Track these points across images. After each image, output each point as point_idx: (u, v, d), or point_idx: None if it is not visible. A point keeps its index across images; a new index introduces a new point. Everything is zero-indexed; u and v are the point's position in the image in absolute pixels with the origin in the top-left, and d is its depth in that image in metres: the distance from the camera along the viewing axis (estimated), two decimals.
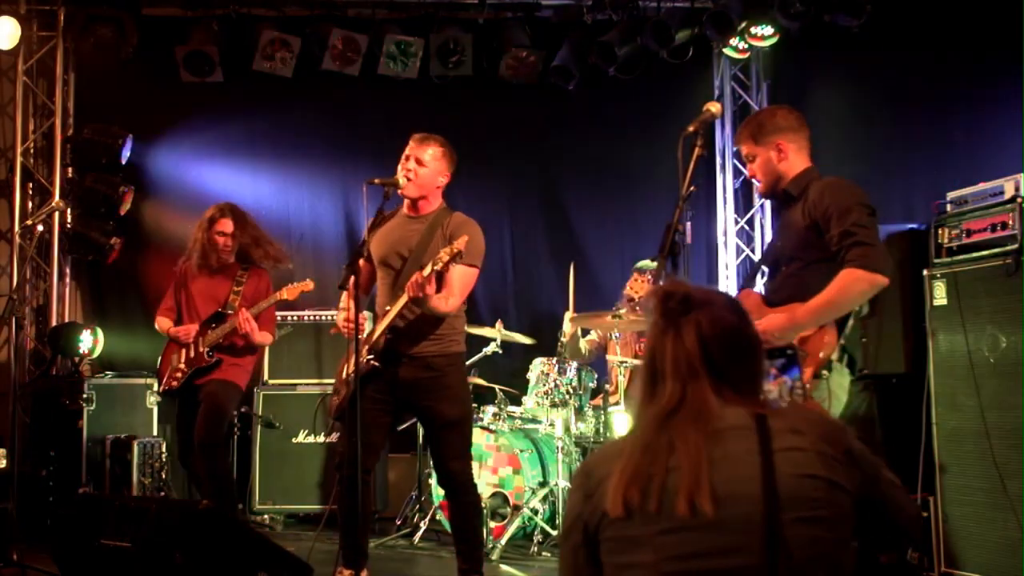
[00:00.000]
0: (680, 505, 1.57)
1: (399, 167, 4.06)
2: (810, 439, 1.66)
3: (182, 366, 5.20)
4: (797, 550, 1.58)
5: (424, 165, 4.04)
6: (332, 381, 4.25)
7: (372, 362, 3.95)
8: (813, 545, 1.60)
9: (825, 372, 3.05)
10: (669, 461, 1.62)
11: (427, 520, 5.65)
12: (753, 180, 3.57)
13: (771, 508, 1.58)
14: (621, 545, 1.64)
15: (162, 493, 6.04)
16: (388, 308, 3.97)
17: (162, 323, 5.40)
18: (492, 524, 5.36)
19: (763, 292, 3.59)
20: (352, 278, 3.81)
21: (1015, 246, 4.06)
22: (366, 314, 4.14)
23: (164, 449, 6.11)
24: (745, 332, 1.76)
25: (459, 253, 3.77)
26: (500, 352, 6.02)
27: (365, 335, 4.01)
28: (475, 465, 4.53)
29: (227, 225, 5.29)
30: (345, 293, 4.01)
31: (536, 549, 5.24)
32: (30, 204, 6.83)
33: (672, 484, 1.60)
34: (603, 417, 5.60)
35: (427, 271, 3.78)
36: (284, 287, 5.18)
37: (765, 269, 3.72)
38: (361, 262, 3.89)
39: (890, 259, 3.18)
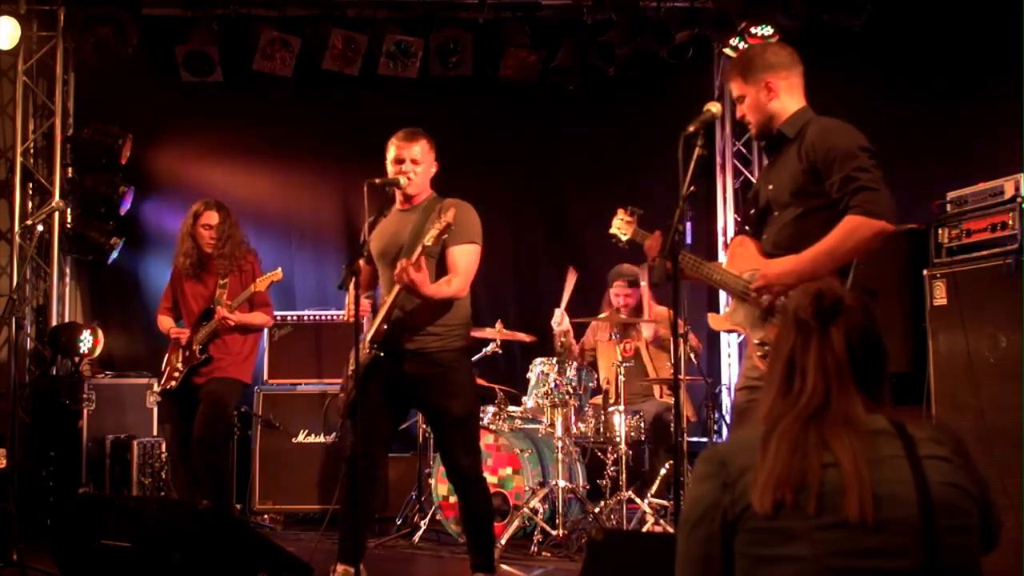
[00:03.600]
0: (848, 503, 1.57)
1: (391, 169, 4.08)
2: (948, 449, 1.69)
3: (179, 366, 5.27)
4: (953, 557, 1.62)
5: (419, 163, 4.07)
6: (333, 380, 4.25)
7: (375, 351, 3.95)
8: (964, 554, 1.65)
9: None
10: (824, 457, 1.62)
11: (427, 520, 5.65)
12: (744, 121, 3.40)
13: (928, 513, 1.60)
14: (770, 537, 1.62)
15: (162, 493, 6.04)
16: (385, 298, 3.98)
17: (163, 322, 5.47)
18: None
19: (755, 236, 3.42)
20: (352, 278, 3.83)
21: (1015, 246, 4.06)
22: (365, 304, 4.12)
23: (164, 449, 6.11)
24: (882, 340, 1.78)
25: (448, 226, 3.75)
26: (500, 352, 6.02)
27: (367, 330, 4.03)
28: None
29: (212, 217, 5.33)
30: (348, 294, 4.02)
31: (536, 549, 5.23)
32: (30, 204, 6.82)
33: (832, 481, 1.60)
34: (603, 417, 5.60)
35: (415, 255, 3.77)
36: (255, 280, 5.24)
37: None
38: (362, 263, 3.90)
39: (894, 204, 3.07)
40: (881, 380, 1.77)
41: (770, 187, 3.33)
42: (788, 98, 3.29)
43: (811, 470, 1.61)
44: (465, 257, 3.98)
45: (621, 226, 3.76)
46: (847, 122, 3.25)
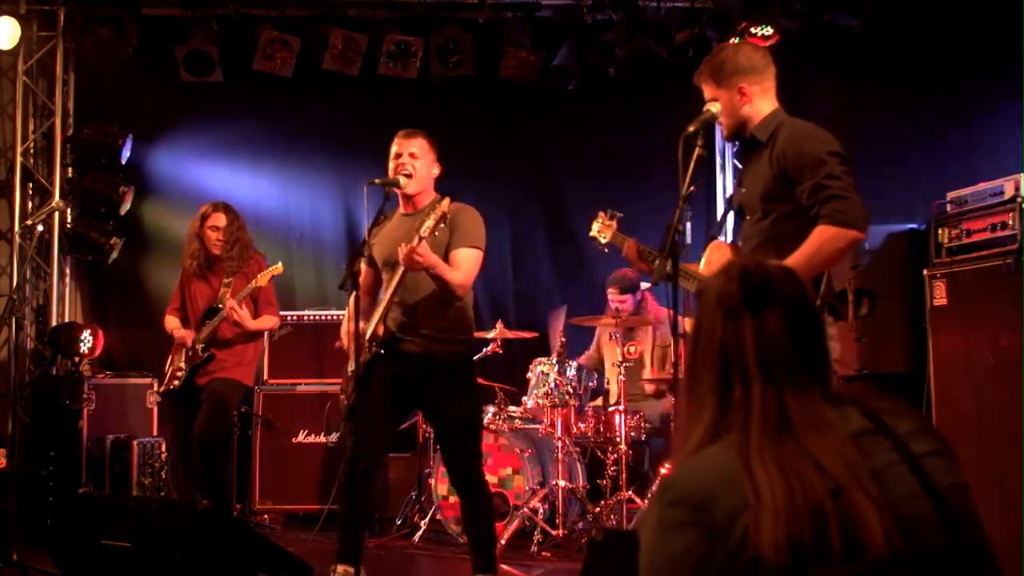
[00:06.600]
0: (875, 540, 1.28)
1: (391, 165, 4.08)
2: (934, 439, 1.43)
3: (182, 365, 5.29)
4: (977, 559, 1.40)
5: (418, 157, 4.07)
6: (333, 380, 4.24)
7: (376, 350, 3.94)
8: (984, 549, 1.42)
9: None
10: (824, 481, 1.32)
11: (427, 520, 5.65)
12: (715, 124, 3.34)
13: (956, 531, 1.35)
14: None
15: (162, 493, 6.04)
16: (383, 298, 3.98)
17: (169, 321, 5.51)
18: None
19: (730, 242, 3.41)
20: (352, 279, 3.82)
21: (1015, 246, 4.06)
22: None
23: (164, 449, 6.11)
24: (816, 309, 1.51)
25: (444, 215, 3.74)
26: (500, 352, 6.01)
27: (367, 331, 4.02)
28: None
29: (220, 219, 5.37)
30: (352, 299, 4.02)
31: (536, 549, 5.23)
32: (30, 204, 6.82)
33: (848, 512, 1.30)
34: (603, 417, 5.60)
35: (414, 243, 3.74)
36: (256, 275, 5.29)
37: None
38: (363, 267, 3.89)
39: (867, 211, 3.00)
40: (827, 359, 1.50)
41: (743, 190, 3.30)
42: (761, 101, 3.24)
43: (820, 496, 1.31)
44: (468, 258, 3.98)
45: (601, 229, 3.76)
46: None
